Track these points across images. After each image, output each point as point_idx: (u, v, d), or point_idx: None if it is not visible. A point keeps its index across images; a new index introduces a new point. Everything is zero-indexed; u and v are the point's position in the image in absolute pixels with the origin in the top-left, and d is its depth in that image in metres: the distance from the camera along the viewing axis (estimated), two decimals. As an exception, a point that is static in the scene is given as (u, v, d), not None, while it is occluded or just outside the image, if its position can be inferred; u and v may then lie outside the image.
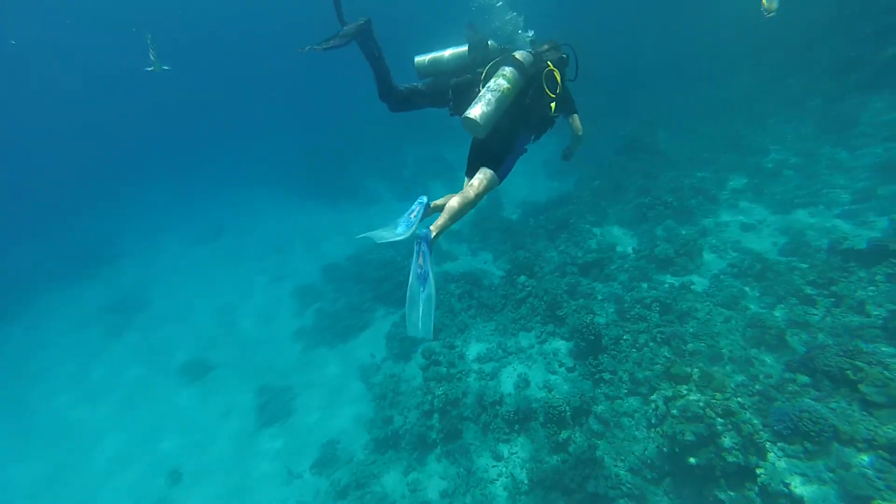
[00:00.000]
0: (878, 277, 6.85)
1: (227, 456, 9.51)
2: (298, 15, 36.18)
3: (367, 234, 2.87)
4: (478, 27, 3.30)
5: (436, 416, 7.77)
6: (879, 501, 4.48)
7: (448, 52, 3.37)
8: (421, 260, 2.67)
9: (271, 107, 39.07)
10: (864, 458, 4.89)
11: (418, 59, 3.41)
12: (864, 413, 5.16)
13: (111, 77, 38.25)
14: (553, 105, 3.18)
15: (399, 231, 2.79)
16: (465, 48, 3.34)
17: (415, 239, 2.71)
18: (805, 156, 11.35)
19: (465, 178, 3.19)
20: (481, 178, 3.01)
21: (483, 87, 3.00)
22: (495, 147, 3.09)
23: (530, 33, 3.66)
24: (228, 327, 14.02)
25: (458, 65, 3.34)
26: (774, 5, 6.87)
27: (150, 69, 5.44)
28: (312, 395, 10.45)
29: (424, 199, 2.98)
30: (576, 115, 3.65)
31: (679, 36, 19.63)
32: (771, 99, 14.44)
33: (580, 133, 3.72)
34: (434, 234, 2.76)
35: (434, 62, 3.38)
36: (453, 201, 2.90)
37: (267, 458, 9.10)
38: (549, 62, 3.21)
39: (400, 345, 10.02)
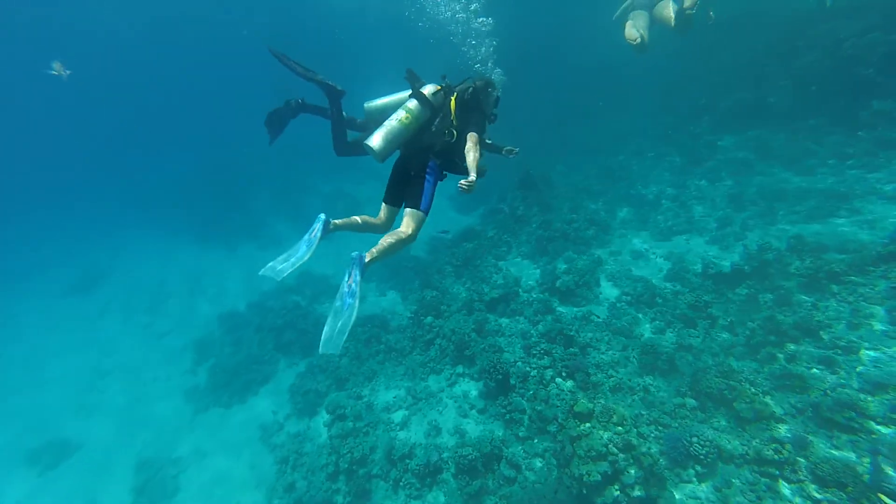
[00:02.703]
0: (740, 298, 7.65)
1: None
2: (186, 38, 34.03)
3: (269, 268, 3.05)
4: (416, 73, 3.62)
5: (342, 477, 7.10)
6: None
7: (394, 98, 3.69)
8: (351, 280, 2.90)
9: (156, 140, 35.62)
10: (741, 472, 5.22)
11: (368, 105, 3.75)
12: (740, 430, 5.56)
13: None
14: (451, 131, 3.43)
15: (302, 252, 3.04)
16: (408, 93, 3.61)
17: (350, 260, 2.95)
18: (678, 187, 12.73)
19: (383, 205, 3.54)
20: (410, 219, 3.30)
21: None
22: (412, 173, 3.39)
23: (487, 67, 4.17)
24: (101, 394, 11.97)
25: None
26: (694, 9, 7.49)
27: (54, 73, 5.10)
28: (204, 465, 9.13)
29: (323, 216, 3.17)
30: (472, 133, 3.47)
31: (563, 75, 21.51)
32: (647, 135, 16.20)
33: (470, 143, 3.40)
34: (368, 259, 3.02)
35: (383, 108, 3.68)
36: (389, 237, 3.20)
37: (143, 556, 7.67)
38: (455, 93, 3.53)
39: (304, 398, 9.17)
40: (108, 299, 17.12)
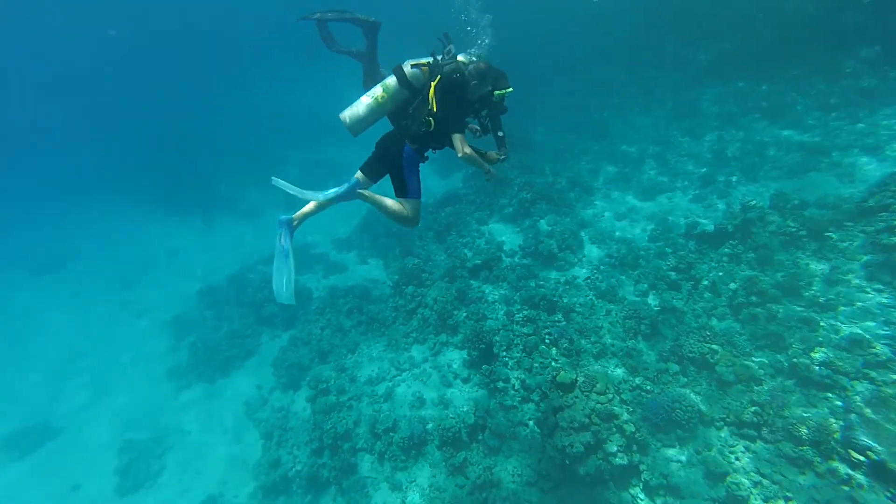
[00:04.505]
0: (723, 258, 7.60)
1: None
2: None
3: (292, 187, 2.97)
4: (451, 38, 3.34)
5: (327, 452, 7.09)
6: (732, 475, 4.88)
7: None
8: (282, 240, 3.21)
9: (127, 111, 33.20)
10: (721, 435, 5.32)
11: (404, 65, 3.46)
12: (721, 392, 5.62)
13: None
14: (429, 120, 3.13)
15: (324, 195, 3.10)
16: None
17: (277, 223, 3.22)
18: (661, 144, 12.44)
19: (359, 172, 3.38)
20: (406, 204, 3.29)
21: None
22: (389, 161, 3.28)
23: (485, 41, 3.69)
24: (78, 378, 11.65)
25: None
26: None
27: None
28: (188, 443, 9.06)
29: (355, 179, 3.23)
30: (455, 136, 3.16)
31: (538, 30, 20.45)
32: (630, 90, 15.68)
33: (459, 155, 3.21)
34: (295, 219, 3.29)
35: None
36: (392, 203, 3.30)
37: (132, 534, 7.68)
38: (438, 77, 3.15)
39: (288, 372, 9.06)
40: (80, 278, 16.48)
